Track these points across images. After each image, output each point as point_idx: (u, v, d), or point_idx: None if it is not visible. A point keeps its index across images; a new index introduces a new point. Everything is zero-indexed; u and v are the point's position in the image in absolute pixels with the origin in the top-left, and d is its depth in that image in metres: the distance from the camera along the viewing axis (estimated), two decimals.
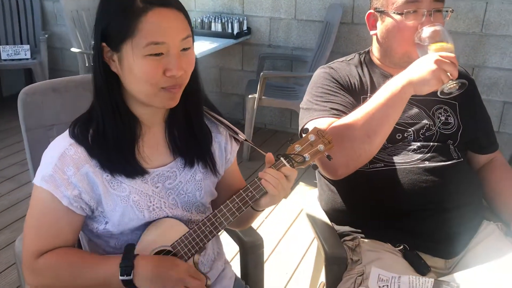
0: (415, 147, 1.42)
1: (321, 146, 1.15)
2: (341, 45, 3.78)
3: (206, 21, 3.95)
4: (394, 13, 1.40)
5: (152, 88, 1.01)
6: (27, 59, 4.43)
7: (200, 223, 1.10)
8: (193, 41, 1.07)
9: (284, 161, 1.13)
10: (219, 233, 1.16)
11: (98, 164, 1.04)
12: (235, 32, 3.85)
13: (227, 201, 1.11)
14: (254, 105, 3.45)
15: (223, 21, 3.90)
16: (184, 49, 1.03)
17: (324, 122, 1.37)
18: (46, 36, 4.52)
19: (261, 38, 4.09)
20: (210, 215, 1.10)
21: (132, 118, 1.08)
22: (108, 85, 1.04)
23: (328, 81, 1.49)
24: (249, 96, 3.48)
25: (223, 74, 4.34)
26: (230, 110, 4.37)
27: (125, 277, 0.99)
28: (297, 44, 3.99)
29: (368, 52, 1.58)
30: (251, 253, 1.43)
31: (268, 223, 2.80)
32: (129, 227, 1.09)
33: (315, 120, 1.40)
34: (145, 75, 0.99)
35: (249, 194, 1.11)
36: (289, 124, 4.24)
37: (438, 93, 1.27)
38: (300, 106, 1.52)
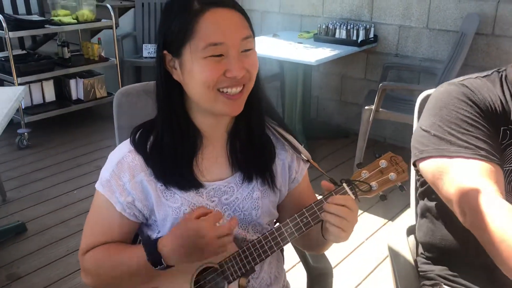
0: None
1: (392, 175, 1.02)
2: (477, 59, 3.41)
3: (331, 27, 3.85)
4: None
5: (211, 91, 0.98)
6: None
7: (250, 244, 1.04)
8: (254, 42, 1.02)
9: (347, 188, 1.02)
10: (274, 254, 1.09)
11: (153, 174, 1.04)
12: (359, 40, 3.70)
13: (281, 224, 1.04)
14: (369, 117, 3.27)
15: (348, 28, 3.77)
16: (245, 50, 0.99)
17: (476, 167, 1.08)
18: None
19: (388, 46, 3.87)
20: (261, 237, 1.04)
21: (193, 130, 1.06)
22: (169, 95, 1.03)
23: (465, 105, 1.16)
24: (366, 107, 3.31)
25: (344, 82, 4.21)
26: (347, 120, 4.22)
27: (159, 267, 0.98)
28: (427, 55, 3.69)
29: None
30: (318, 281, 1.33)
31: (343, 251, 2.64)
32: None
33: (458, 159, 1.10)
34: (205, 76, 0.96)
35: (304, 219, 1.02)
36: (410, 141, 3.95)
37: None
38: (422, 127, 1.22)
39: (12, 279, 2.36)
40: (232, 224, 0.99)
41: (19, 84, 3.72)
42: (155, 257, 0.98)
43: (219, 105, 1.00)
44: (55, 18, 4.10)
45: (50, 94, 4.28)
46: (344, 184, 1.02)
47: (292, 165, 1.16)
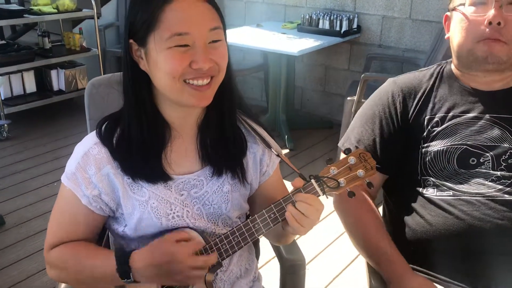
0: (493, 177, 1.20)
1: (360, 172, 1.02)
2: None
3: (314, 17, 3.84)
4: (459, 5, 1.23)
5: (177, 82, 0.95)
6: None
7: (217, 239, 1.03)
8: (225, 34, 1.00)
9: (315, 184, 1.01)
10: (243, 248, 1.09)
11: (119, 166, 1.03)
12: (342, 30, 3.69)
13: (249, 220, 1.03)
14: (352, 108, 3.27)
15: (331, 18, 3.75)
16: (213, 42, 0.96)
17: None
18: None
19: (372, 37, 3.86)
20: (229, 233, 1.03)
21: (161, 121, 1.04)
22: (136, 85, 1.01)
23: (379, 106, 1.35)
24: (348, 98, 3.31)
25: (328, 72, 4.20)
26: (331, 111, 4.22)
27: (125, 280, 0.97)
28: (410, 46, 3.70)
29: (451, 62, 1.35)
30: (291, 273, 1.32)
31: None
32: (147, 233, 1.05)
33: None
34: (169, 67, 0.94)
35: (272, 215, 1.02)
36: None
37: None
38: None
39: None
40: (210, 259, 0.99)
41: None
42: (124, 269, 0.97)
43: (185, 96, 0.98)
44: (35, 8, 4.02)
45: (30, 85, 4.21)
46: (313, 180, 1.01)
47: (263, 158, 1.15)
